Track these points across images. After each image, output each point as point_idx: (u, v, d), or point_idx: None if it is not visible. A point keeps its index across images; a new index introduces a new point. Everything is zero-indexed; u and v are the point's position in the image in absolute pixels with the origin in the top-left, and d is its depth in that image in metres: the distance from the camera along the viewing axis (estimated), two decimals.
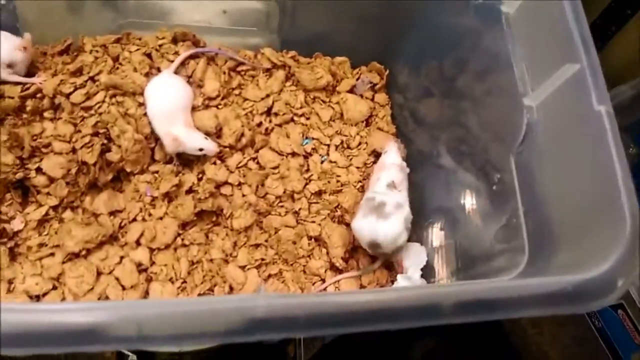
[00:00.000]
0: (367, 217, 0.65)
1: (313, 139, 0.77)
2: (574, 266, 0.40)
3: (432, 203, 0.70)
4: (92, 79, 0.70)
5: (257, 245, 0.70)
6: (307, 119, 0.78)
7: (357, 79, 0.84)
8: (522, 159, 0.49)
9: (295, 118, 0.78)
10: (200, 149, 0.70)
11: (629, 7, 0.87)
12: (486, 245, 0.53)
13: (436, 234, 0.68)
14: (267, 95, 0.77)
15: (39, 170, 0.65)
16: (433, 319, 0.37)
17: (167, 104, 0.69)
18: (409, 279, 0.69)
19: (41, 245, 0.64)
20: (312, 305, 0.34)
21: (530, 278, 0.43)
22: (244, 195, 0.71)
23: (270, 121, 0.77)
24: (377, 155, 0.78)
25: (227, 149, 0.72)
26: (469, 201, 0.60)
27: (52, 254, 0.64)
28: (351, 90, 0.82)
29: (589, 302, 0.37)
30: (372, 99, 0.84)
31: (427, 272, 0.67)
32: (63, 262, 0.63)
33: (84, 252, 0.64)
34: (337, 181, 0.75)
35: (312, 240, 0.71)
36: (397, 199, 0.67)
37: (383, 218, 0.65)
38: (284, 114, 0.77)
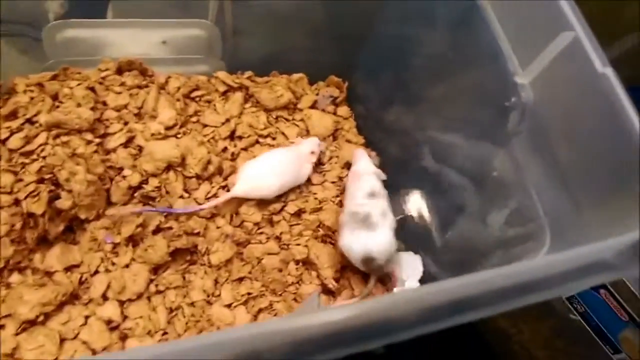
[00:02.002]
0: (356, 232, 0.62)
1: None
2: (608, 237, 0.38)
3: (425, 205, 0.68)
4: (29, 121, 0.62)
5: (240, 279, 0.63)
6: (273, 139, 0.74)
7: (317, 95, 0.81)
8: (524, 139, 0.47)
9: (261, 139, 0.73)
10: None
11: None
12: (495, 234, 0.51)
13: (433, 236, 0.65)
14: (228, 120, 0.72)
15: None
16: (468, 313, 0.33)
17: None
18: None
19: None
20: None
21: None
22: (218, 227, 0.65)
23: (235, 145, 0.72)
24: (350, 167, 0.75)
25: (194, 179, 0.66)
26: (466, 195, 0.57)
27: (3, 326, 0.54)
28: (313, 106, 0.79)
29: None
30: (335, 113, 0.81)
31: (428, 280, 0.64)
32: (17, 334, 0.53)
33: (41, 318, 0.54)
34: (315, 198, 0.70)
35: (300, 264, 0.65)
36: (381, 207, 0.64)
37: (372, 230, 0.61)
38: (248, 137, 0.72)
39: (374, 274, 0.65)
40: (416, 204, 0.64)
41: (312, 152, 0.70)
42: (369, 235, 0.61)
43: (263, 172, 0.66)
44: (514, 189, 0.47)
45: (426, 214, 0.63)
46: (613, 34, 0.81)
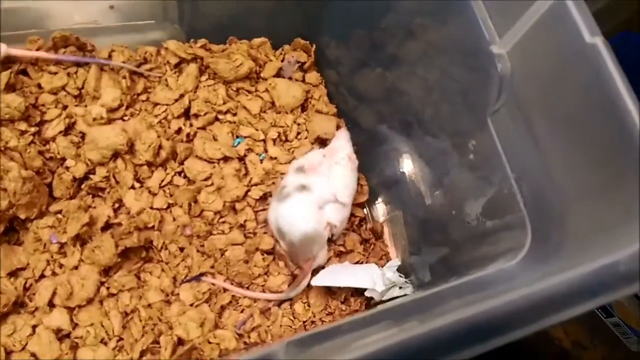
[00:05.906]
0: (271, 203, 0.61)
1: (245, 137, 0.66)
2: (598, 235, 0.32)
3: (392, 187, 0.62)
4: None
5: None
6: (234, 115, 0.67)
7: (282, 61, 0.73)
8: (501, 117, 0.41)
9: (220, 116, 0.66)
10: None
11: None
12: (472, 225, 0.45)
13: (398, 221, 0.60)
14: (181, 96, 0.65)
15: None
16: None
17: None
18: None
19: None
20: None
21: (542, 262, 0.35)
22: (175, 219, 0.59)
23: (190, 125, 0.65)
24: (321, 142, 0.69)
25: (145, 167, 0.60)
26: (438, 178, 0.52)
27: None
28: (278, 74, 0.72)
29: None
30: (303, 81, 0.74)
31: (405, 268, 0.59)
32: None
33: None
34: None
35: (267, 254, 0.61)
36: (302, 181, 0.60)
37: (282, 200, 0.59)
38: (205, 114, 0.65)
39: (294, 257, 0.60)
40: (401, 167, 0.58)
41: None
42: (279, 205, 0.59)
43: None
44: (491, 175, 0.42)
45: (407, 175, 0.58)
46: None
